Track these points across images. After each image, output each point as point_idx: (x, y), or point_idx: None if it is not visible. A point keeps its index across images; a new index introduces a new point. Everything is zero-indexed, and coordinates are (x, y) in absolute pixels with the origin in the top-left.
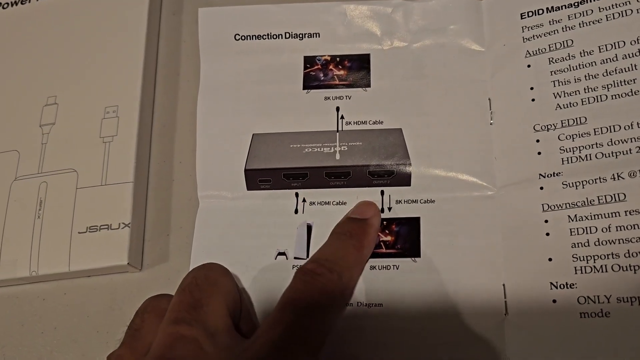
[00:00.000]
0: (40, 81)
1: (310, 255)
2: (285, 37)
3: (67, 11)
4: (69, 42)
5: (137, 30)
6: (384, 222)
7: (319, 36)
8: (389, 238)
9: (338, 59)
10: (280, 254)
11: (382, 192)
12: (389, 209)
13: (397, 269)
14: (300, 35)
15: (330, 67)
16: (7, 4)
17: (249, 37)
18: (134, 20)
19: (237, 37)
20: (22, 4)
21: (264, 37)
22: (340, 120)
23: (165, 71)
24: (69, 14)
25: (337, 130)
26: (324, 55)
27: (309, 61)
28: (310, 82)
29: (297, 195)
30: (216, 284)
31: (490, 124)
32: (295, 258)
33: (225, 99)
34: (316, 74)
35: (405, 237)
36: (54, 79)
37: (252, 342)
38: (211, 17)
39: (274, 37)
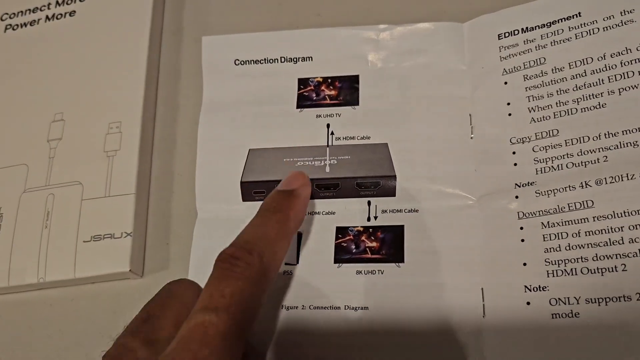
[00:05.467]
0: (48, 99)
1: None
2: (281, 61)
3: (74, 33)
4: (75, 61)
5: (139, 50)
6: (370, 230)
7: (311, 60)
8: (374, 244)
9: (329, 80)
10: None
11: (369, 203)
12: (375, 217)
13: (382, 273)
14: (295, 59)
15: (322, 87)
16: (17, 25)
17: (247, 61)
18: (136, 41)
19: (237, 62)
20: (31, 25)
21: (262, 61)
22: (330, 136)
23: (166, 89)
24: (75, 36)
25: (328, 145)
26: (317, 77)
27: (303, 83)
28: (303, 102)
29: None
30: (172, 296)
31: (471, 138)
32: (286, 264)
33: (225, 117)
34: (309, 94)
35: (389, 244)
36: (61, 97)
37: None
38: (213, 44)
39: (271, 61)
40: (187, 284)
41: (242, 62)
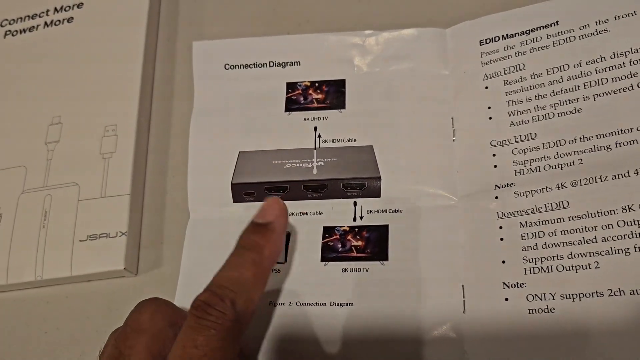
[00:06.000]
0: (46, 102)
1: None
2: (270, 66)
3: (71, 38)
4: (73, 66)
5: (135, 55)
6: (356, 229)
7: (299, 64)
8: (359, 243)
9: (317, 84)
10: None
11: (355, 203)
12: (361, 217)
13: (367, 271)
14: (283, 64)
15: (310, 91)
16: (17, 31)
17: (237, 66)
18: (132, 46)
19: (227, 66)
20: (30, 31)
21: (251, 66)
22: (317, 139)
23: (161, 93)
24: (73, 41)
25: (315, 148)
26: (304, 81)
27: (291, 87)
28: (291, 105)
29: None
30: (142, 330)
31: (453, 140)
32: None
33: (215, 121)
34: (297, 98)
35: (374, 243)
36: (59, 101)
37: None
38: (204, 49)
39: (260, 65)
40: (154, 309)
41: (232, 67)
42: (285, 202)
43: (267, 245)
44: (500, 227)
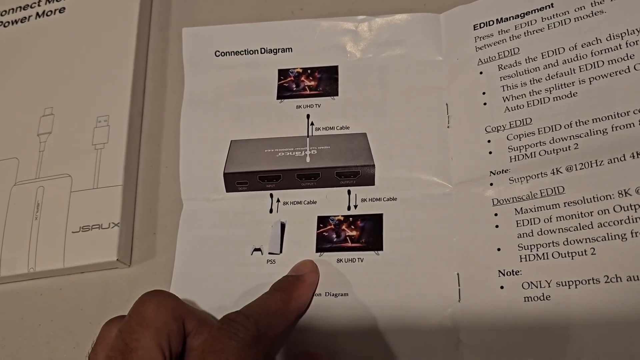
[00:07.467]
0: (38, 94)
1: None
2: (261, 53)
3: (63, 29)
4: (65, 57)
5: (127, 45)
6: (350, 219)
7: (291, 51)
8: (354, 233)
9: (309, 71)
10: (256, 249)
11: (349, 192)
12: (355, 206)
13: (362, 261)
14: (275, 51)
15: (302, 78)
16: (9, 22)
17: (228, 53)
18: (124, 36)
19: (218, 53)
20: (22, 22)
21: (242, 53)
22: (310, 127)
23: (153, 83)
24: (65, 32)
25: (308, 136)
26: (296, 68)
27: (283, 74)
28: (283, 93)
29: (271, 195)
30: (148, 324)
31: (448, 127)
32: (269, 253)
33: (207, 109)
34: (289, 85)
35: (369, 232)
36: (51, 92)
37: None
38: (194, 36)
39: (251, 52)
40: (158, 302)
41: (223, 54)
42: (278, 191)
43: (296, 290)
44: (496, 214)
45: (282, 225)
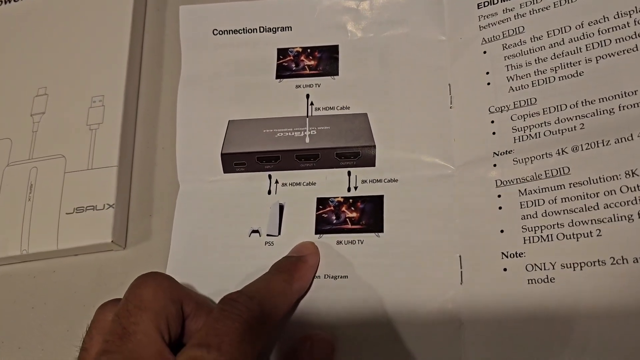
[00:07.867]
0: (31, 73)
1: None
2: (260, 31)
3: (57, 7)
4: (59, 36)
5: (123, 24)
6: (351, 200)
7: (291, 29)
8: (354, 215)
9: (309, 50)
10: (253, 231)
11: (349, 173)
12: (355, 188)
13: (362, 243)
14: (274, 29)
15: (302, 57)
16: (2, 2)
17: (226, 31)
18: (119, 15)
19: (215, 32)
20: (15, 1)
21: (240, 31)
22: (310, 107)
23: (149, 63)
24: (59, 10)
25: (307, 116)
26: (296, 47)
27: (282, 53)
28: (282, 72)
29: (270, 177)
30: (145, 307)
31: (450, 107)
32: (268, 235)
33: (204, 89)
34: (288, 64)
35: (369, 214)
36: (44, 71)
37: None
38: (191, 14)
39: (249, 31)
40: (156, 285)
41: (221, 32)
42: (277, 172)
43: (298, 271)
44: (499, 196)
45: (281, 207)
